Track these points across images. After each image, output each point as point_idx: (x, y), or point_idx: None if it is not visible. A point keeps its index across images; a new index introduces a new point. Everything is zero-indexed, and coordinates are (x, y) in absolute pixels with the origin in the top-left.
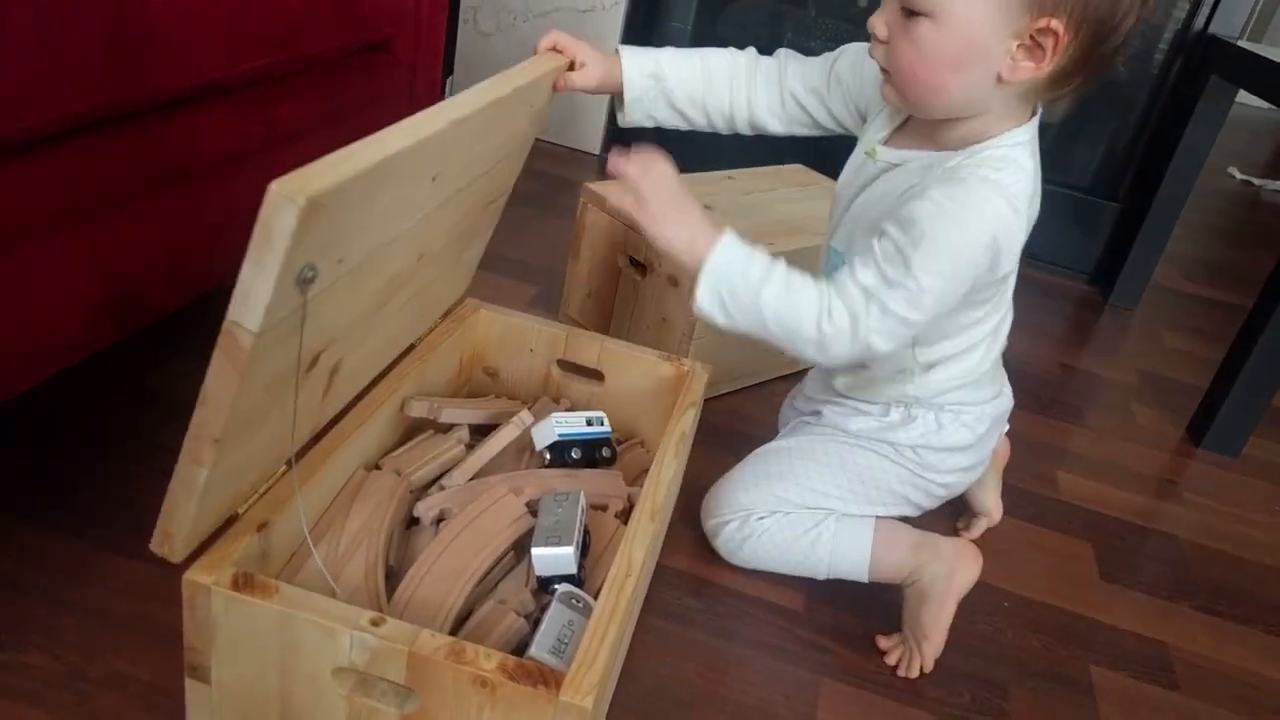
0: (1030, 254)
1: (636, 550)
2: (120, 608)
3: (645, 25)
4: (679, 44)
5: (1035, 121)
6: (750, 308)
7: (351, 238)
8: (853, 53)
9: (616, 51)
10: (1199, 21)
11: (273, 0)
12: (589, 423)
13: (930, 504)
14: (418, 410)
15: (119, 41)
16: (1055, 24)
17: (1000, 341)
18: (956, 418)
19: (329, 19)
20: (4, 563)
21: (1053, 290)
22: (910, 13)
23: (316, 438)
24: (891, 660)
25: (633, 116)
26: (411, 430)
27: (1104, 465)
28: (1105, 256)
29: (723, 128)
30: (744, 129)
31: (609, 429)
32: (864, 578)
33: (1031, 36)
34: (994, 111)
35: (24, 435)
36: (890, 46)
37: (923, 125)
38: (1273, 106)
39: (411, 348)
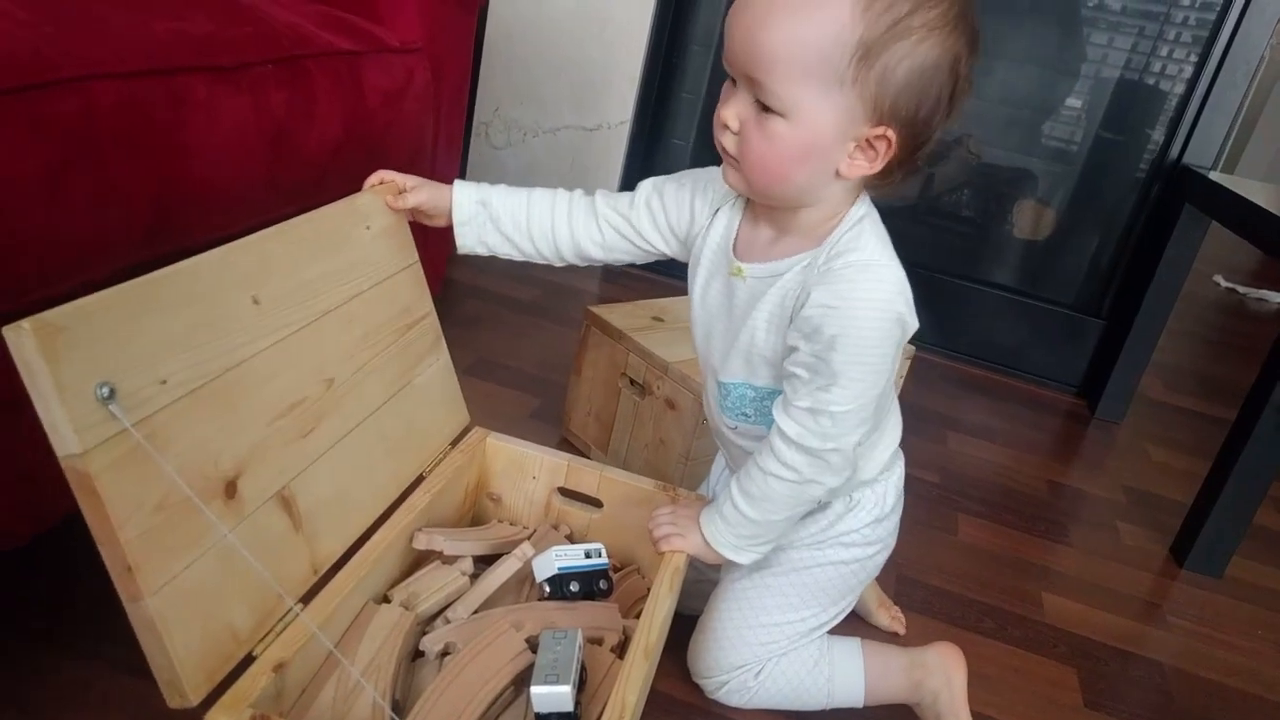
0: (1018, 367)
1: (630, 692)
2: None
3: (650, 142)
4: (680, 159)
5: (864, 195)
6: (768, 527)
7: (160, 358)
8: (648, 186)
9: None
10: (1174, 151)
11: (305, 155)
12: (587, 555)
13: (876, 574)
14: (423, 543)
15: (165, 200)
16: (889, 132)
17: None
18: (887, 480)
19: (354, 166)
20: (17, 684)
21: (1040, 403)
22: (765, 108)
23: (332, 571)
24: None
25: (465, 241)
26: (419, 560)
27: (1089, 587)
28: (1091, 371)
29: (552, 257)
30: (571, 257)
31: (606, 560)
32: (860, 704)
33: (868, 140)
34: (831, 200)
35: (40, 558)
36: (741, 137)
37: (767, 223)
38: None
39: (421, 478)
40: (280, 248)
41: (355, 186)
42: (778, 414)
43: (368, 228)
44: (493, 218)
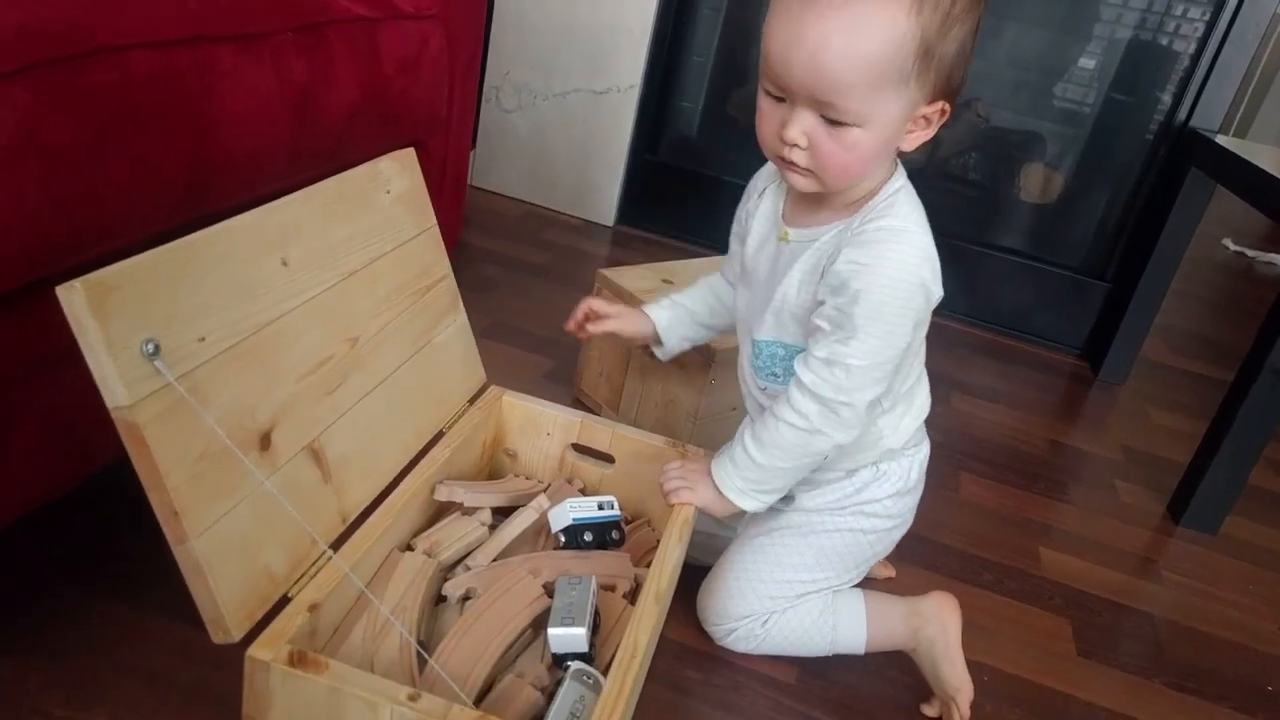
0: (1023, 329)
1: (641, 634)
2: (178, 672)
3: (659, 105)
4: (689, 121)
5: (900, 166)
6: (774, 474)
7: (198, 317)
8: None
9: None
10: (1181, 114)
11: (325, 122)
12: (600, 507)
13: (889, 550)
14: (444, 495)
15: (196, 169)
16: (945, 106)
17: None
18: (914, 456)
19: (372, 131)
20: (76, 628)
21: (1044, 365)
22: (835, 122)
23: (359, 520)
24: (932, 712)
25: (670, 342)
26: (440, 511)
27: (1086, 542)
28: (1095, 333)
29: (730, 329)
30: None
31: (618, 512)
32: (861, 651)
33: (924, 116)
34: (879, 172)
35: (91, 506)
36: (814, 151)
37: (811, 195)
38: None
39: (441, 434)
40: (307, 212)
41: (373, 151)
42: (798, 365)
43: (388, 192)
44: (690, 314)
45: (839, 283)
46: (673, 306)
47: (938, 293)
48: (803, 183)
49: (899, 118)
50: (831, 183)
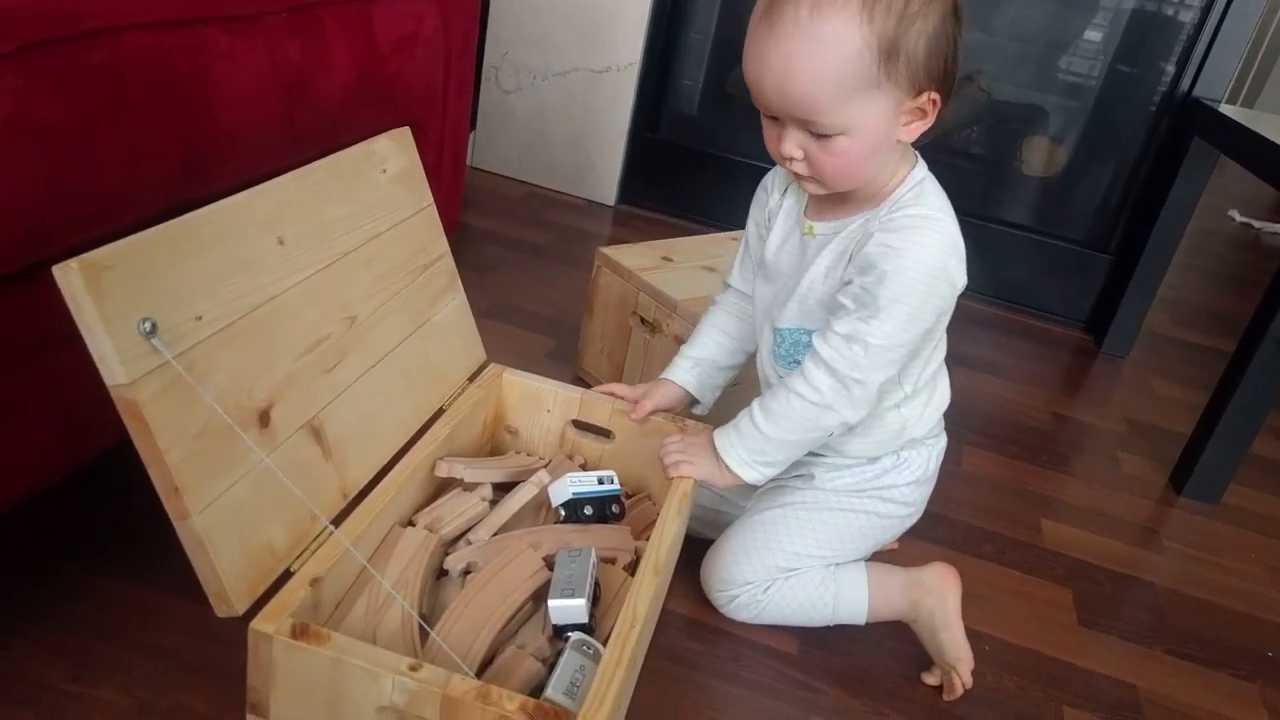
0: (1027, 303)
1: (640, 604)
2: (186, 648)
3: (659, 83)
4: (689, 100)
5: (919, 158)
6: (779, 447)
7: (195, 296)
8: (747, 227)
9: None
10: (1185, 84)
11: (320, 103)
12: (600, 481)
13: (896, 536)
14: (444, 471)
15: (191, 151)
16: (935, 96)
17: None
18: (933, 447)
19: (367, 111)
20: (83, 606)
21: (1047, 339)
22: (821, 135)
23: (360, 496)
24: (933, 681)
25: (706, 397)
26: (441, 486)
27: (1088, 513)
28: (1098, 306)
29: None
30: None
31: (618, 487)
32: (862, 622)
33: (917, 107)
34: (890, 162)
35: (102, 487)
36: (810, 161)
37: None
38: None
39: (441, 411)
40: (302, 191)
41: (369, 131)
42: (816, 340)
43: (384, 171)
44: (713, 363)
45: (867, 263)
46: (695, 365)
47: (962, 281)
48: (813, 188)
49: (882, 118)
50: (836, 187)
